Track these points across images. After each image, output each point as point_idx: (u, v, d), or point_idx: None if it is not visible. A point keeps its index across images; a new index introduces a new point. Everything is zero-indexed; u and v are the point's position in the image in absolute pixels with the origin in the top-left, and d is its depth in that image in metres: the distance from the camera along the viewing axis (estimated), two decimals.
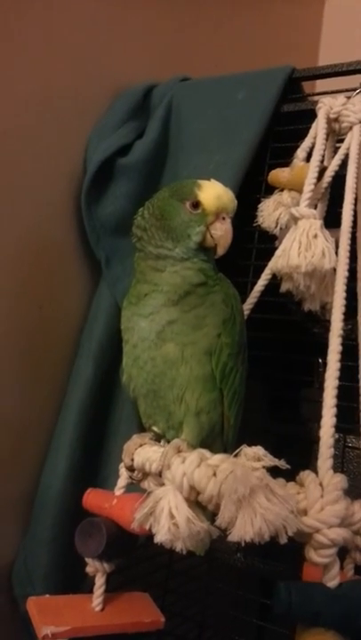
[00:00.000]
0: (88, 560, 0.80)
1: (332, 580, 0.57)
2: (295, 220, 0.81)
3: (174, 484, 0.61)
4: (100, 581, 0.80)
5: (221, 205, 0.74)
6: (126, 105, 1.10)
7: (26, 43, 0.94)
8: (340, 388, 0.68)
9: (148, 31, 1.23)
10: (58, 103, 1.01)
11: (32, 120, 0.96)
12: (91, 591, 0.81)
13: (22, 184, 0.96)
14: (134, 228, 0.80)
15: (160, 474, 0.68)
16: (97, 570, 0.80)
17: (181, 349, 0.74)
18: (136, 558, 1.02)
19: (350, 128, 0.88)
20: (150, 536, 0.62)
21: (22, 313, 0.97)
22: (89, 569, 0.81)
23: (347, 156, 0.86)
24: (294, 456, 0.67)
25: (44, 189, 1.00)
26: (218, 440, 0.78)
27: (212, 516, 0.60)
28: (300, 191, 0.87)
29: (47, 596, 0.81)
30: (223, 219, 0.75)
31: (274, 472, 0.61)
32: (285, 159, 0.96)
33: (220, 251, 0.76)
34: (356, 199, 0.82)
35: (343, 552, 0.67)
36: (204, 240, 0.75)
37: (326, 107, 0.90)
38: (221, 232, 0.75)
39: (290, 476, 0.64)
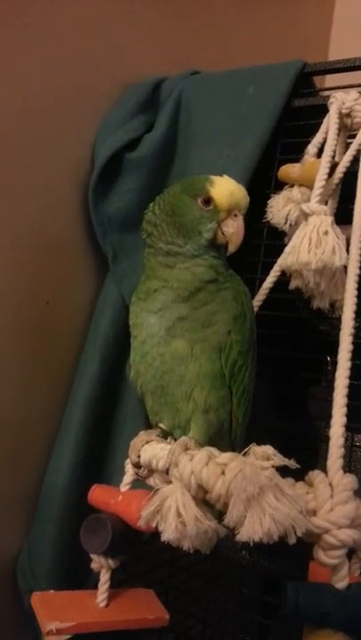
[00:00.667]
0: (93, 556, 0.80)
1: (341, 582, 0.57)
2: (305, 216, 0.80)
3: (182, 482, 0.61)
4: (104, 577, 0.80)
5: (234, 202, 0.74)
6: (135, 99, 1.08)
7: (33, 37, 0.93)
8: (349, 386, 0.67)
9: (157, 25, 1.22)
10: (66, 97, 1.00)
11: (40, 115, 0.96)
12: (95, 587, 0.81)
13: (30, 179, 0.95)
14: (144, 223, 0.79)
15: (167, 471, 0.67)
16: (102, 566, 0.80)
17: (191, 346, 0.74)
18: (139, 555, 1.02)
19: None
20: (154, 532, 0.61)
21: (29, 308, 0.96)
22: (94, 565, 0.81)
23: (359, 151, 0.86)
24: (301, 454, 0.66)
25: (51, 184, 0.99)
26: (226, 438, 0.78)
27: (219, 514, 0.60)
28: (310, 187, 0.86)
29: (52, 591, 0.81)
30: (235, 216, 0.74)
31: (280, 471, 0.60)
32: (296, 155, 0.95)
33: (232, 248, 0.76)
34: None
35: (350, 552, 0.67)
36: (215, 237, 0.75)
37: (338, 102, 0.89)
38: (233, 229, 0.74)
39: (297, 474, 0.64)
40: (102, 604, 0.79)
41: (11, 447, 0.95)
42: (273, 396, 1.19)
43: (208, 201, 0.74)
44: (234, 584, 1.14)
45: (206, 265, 0.75)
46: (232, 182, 0.75)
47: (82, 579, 0.93)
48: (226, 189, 0.74)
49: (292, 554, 0.85)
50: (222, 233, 0.75)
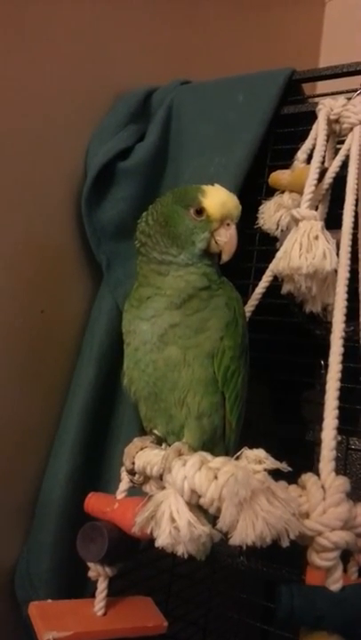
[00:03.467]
0: (90, 564, 0.80)
1: (335, 584, 0.57)
2: (296, 221, 0.81)
3: (175, 488, 0.61)
4: (102, 586, 0.80)
5: (226, 212, 0.74)
6: (127, 108, 1.10)
7: (25, 46, 0.94)
8: (343, 390, 0.68)
9: (148, 34, 1.23)
10: (58, 107, 1.01)
11: (32, 124, 0.96)
12: (93, 596, 0.81)
13: (23, 188, 0.96)
14: (138, 233, 0.80)
15: (161, 477, 0.67)
16: (99, 574, 0.80)
17: (183, 352, 0.74)
18: (138, 562, 1.02)
19: (351, 129, 0.88)
20: (152, 540, 0.61)
21: (24, 317, 0.97)
22: (91, 573, 0.80)
23: (347, 157, 0.86)
24: (297, 458, 0.67)
25: (44, 194, 1.00)
26: (220, 444, 0.78)
27: (213, 519, 0.60)
28: (300, 193, 0.86)
29: (49, 600, 0.80)
30: (228, 225, 0.75)
31: (276, 475, 0.60)
32: (286, 161, 0.96)
33: (226, 257, 0.76)
34: (357, 200, 0.82)
35: (347, 555, 0.67)
36: (208, 246, 0.76)
37: (327, 108, 0.90)
38: (226, 239, 0.75)
39: (293, 478, 0.64)
40: (100, 613, 0.79)
41: (7, 456, 0.95)
42: (269, 401, 1.19)
43: (200, 211, 0.75)
44: (234, 590, 1.14)
45: (199, 273, 0.75)
46: (224, 192, 0.76)
47: (80, 587, 0.93)
48: (218, 199, 0.75)
49: (290, 559, 0.85)
50: (215, 242, 0.76)
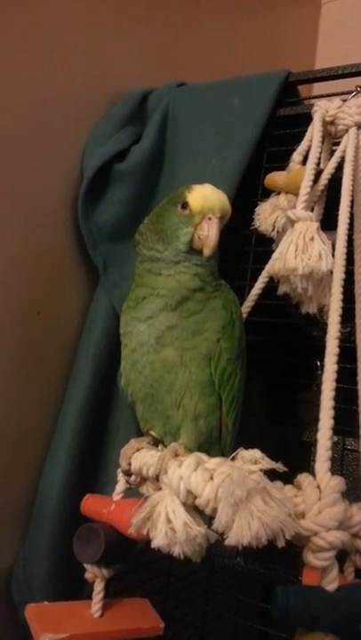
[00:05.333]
0: (87, 566, 0.80)
1: (331, 584, 0.57)
2: (292, 222, 0.81)
3: (171, 488, 0.61)
4: (98, 587, 0.79)
5: (207, 205, 0.74)
6: (123, 110, 1.10)
7: (21, 48, 0.94)
8: (339, 390, 0.68)
9: (144, 37, 1.23)
10: (54, 109, 1.01)
11: (28, 126, 0.97)
12: (90, 598, 0.80)
13: (19, 191, 0.96)
14: (136, 234, 0.80)
15: (157, 478, 0.67)
16: (96, 576, 0.80)
17: (180, 354, 0.74)
18: (136, 564, 1.02)
19: (346, 131, 0.89)
20: (149, 541, 0.61)
21: (21, 319, 0.97)
22: (88, 575, 0.80)
23: (343, 158, 0.87)
24: (294, 459, 0.67)
25: (41, 196, 1.00)
26: (216, 445, 0.78)
27: (209, 520, 0.60)
28: (296, 194, 0.87)
29: (46, 603, 0.80)
30: (210, 219, 0.74)
31: (273, 476, 0.60)
32: (282, 163, 0.97)
33: (206, 251, 0.74)
34: (352, 201, 0.82)
35: (343, 555, 0.67)
36: (192, 241, 0.75)
37: (322, 110, 0.90)
38: (207, 232, 0.73)
39: (290, 479, 0.64)
40: (97, 615, 0.79)
41: (3, 458, 0.95)
42: (266, 402, 1.19)
43: (185, 206, 0.75)
44: (232, 592, 1.14)
45: (190, 273, 0.75)
46: (209, 187, 0.76)
47: (77, 589, 0.93)
48: (200, 194, 0.74)
49: (287, 560, 0.85)
50: (199, 237, 0.75)
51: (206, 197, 0.74)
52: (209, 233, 0.73)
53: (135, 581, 1.01)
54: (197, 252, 0.76)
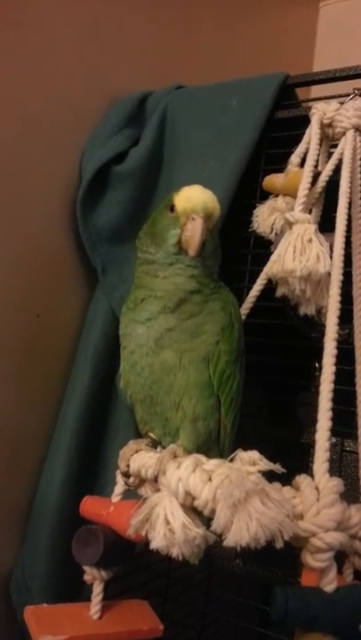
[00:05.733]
0: (86, 568, 0.80)
1: (330, 585, 0.57)
2: (290, 224, 0.82)
3: (170, 490, 0.61)
4: (97, 589, 0.80)
5: (190, 206, 0.73)
6: (122, 113, 1.10)
7: (20, 51, 0.95)
8: (338, 391, 0.68)
9: (143, 39, 1.24)
10: (53, 111, 1.02)
11: (27, 129, 0.97)
12: (89, 599, 0.80)
13: (19, 194, 0.96)
14: (136, 239, 0.81)
15: (156, 479, 0.68)
16: (94, 577, 0.80)
17: (179, 356, 0.74)
18: (135, 566, 1.02)
19: (344, 133, 0.89)
20: (148, 543, 0.61)
21: (20, 321, 0.97)
22: (87, 577, 0.80)
23: (340, 160, 0.87)
24: (293, 461, 0.67)
25: (40, 198, 1.00)
26: (215, 447, 0.78)
27: (208, 521, 0.60)
28: (294, 196, 0.87)
29: (45, 604, 0.80)
30: (193, 219, 0.73)
31: (272, 477, 0.60)
32: (280, 165, 0.97)
33: (191, 251, 0.73)
34: (349, 203, 0.82)
35: (343, 557, 0.67)
36: (180, 242, 0.75)
37: (320, 112, 0.91)
38: (190, 232, 0.73)
39: (288, 481, 0.64)
40: (96, 617, 0.79)
41: (3, 460, 0.95)
42: (265, 403, 1.19)
43: (173, 208, 0.75)
44: (231, 594, 1.13)
45: (186, 275, 0.75)
46: (195, 188, 0.75)
47: (76, 591, 0.93)
48: (185, 195, 0.74)
49: (287, 561, 0.85)
50: (186, 239, 0.74)
51: (190, 198, 0.74)
52: (192, 233, 0.73)
53: (134, 583, 1.01)
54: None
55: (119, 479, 0.81)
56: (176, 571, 1.12)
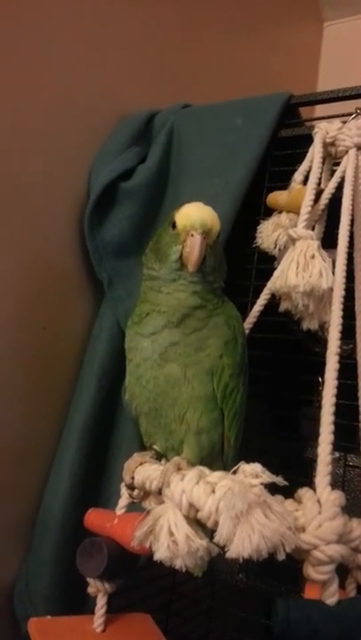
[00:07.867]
0: (89, 580, 0.80)
1: (331, 597, 0.57)
2: (293, 240, 0.83)
3: (173, 502, 0.62)
4: (101, 602, 0.79)
5: (189, 223, 0.74)
6: (129, 131, 1.13)
7: (28, 68, 0.97)
8: (341, 406, 0.69)
9: (150, 59, 1.27)
10: (62, 128, 1.04)
11: (36, 145, 0.99)
12: (92, 612, 0.81)
13: (28, 208, 0.98)
14: (143, 255, 0.83)
15: (160, 492, 0.68)
16: (98, 590, 0.80)
17: (184, 370, 0.75)
18: (139, 581, 1.02)
19: (346, 152, 0.91)
20: (152, 557, 0.62)
21: (26, 334, 0.98)
22: (90, 589, 0.80)
23: (343, 178, 0.88)
24: (297, 475, 0.67)
25: (48, 213, 1.02)
26: (218, 459, 0.79)
27: (211, 533, 0.61)
28: (297, 213, 0.89)
29: (48, 617, 0.80)
30: (192, 235, 0.74)
31: (275, 491, 0.61)
32: (284, 182, 0.98)
33: (190, 268, 0.74)
34: (352, 220, 0.84)
35: (345, 571, 0.67)
36: (182, 259, 0.76)
37: (322, 131, 0.93)
38: (188, 248, 0.74)
39: (292, 495, 0.65)
40: (99, 629, 0.79)
41: (7, 471, 0.95)
42: (268, 418, 1.20)
43: (174, 225, 0.76)
44: (235, 610, 1.13)
45: (189, 291, 0.76)
46: (194, 205, 0.76)
47: (80, 604, 0.93)
48: (184, 212, 0.75)
49: (290, 576, 0.85)
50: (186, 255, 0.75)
51: (188, 215, 0.75)
52: (190, 249, 0.74)
53: (138, 598, 1.01)
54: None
55: (123, 492, 0.82)
56: (180, 586, 1.11)
